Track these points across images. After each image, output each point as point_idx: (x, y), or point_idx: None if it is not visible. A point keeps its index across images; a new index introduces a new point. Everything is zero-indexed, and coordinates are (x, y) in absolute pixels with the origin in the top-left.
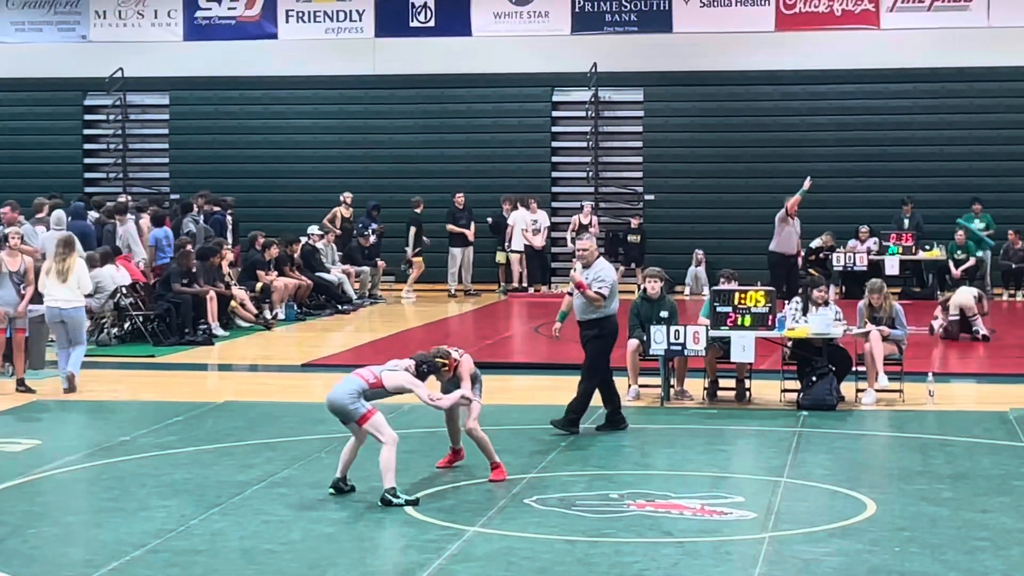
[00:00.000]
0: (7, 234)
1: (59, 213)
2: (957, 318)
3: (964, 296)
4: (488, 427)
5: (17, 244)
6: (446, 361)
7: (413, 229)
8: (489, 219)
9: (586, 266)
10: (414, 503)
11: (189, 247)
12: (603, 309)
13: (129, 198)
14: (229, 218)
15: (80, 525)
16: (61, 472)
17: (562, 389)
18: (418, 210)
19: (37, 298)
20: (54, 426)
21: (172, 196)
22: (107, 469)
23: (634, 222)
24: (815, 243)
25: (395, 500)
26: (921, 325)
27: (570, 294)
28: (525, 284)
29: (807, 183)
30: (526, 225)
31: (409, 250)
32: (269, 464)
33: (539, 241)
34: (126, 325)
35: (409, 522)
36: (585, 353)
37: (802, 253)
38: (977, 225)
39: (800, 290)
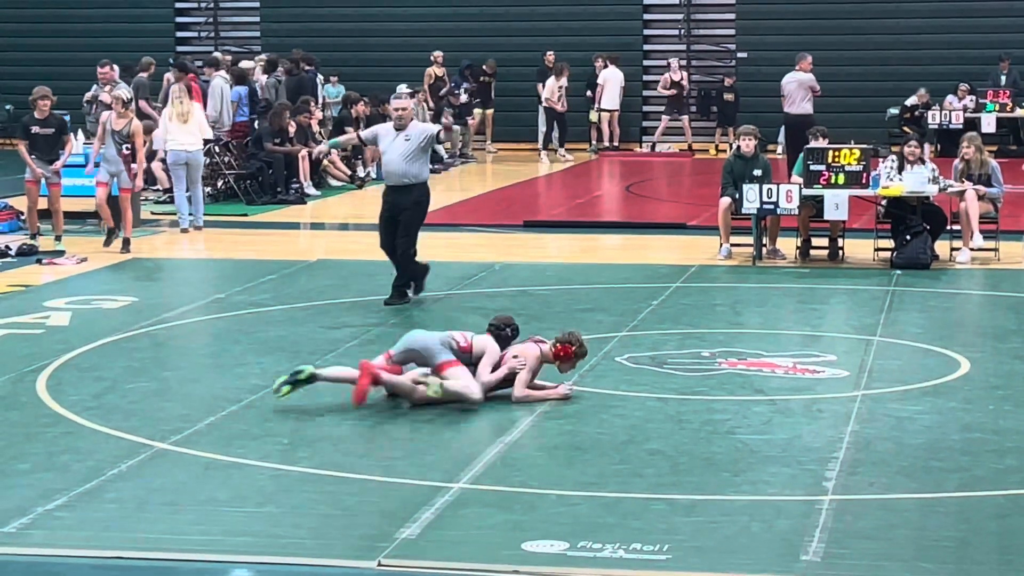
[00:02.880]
0: (113, 97)
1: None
2: None
3: None
4: (578, 286)
5: (119, 108)
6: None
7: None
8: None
9: (400, 128)
10: None
11: (282, 106)
12: (419, 175)
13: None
14: (320, 77)
15: (177, 380)
16: (157, 328)
17: (652, 248)
18: (487, 68)
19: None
20: (150, 283)
21: (263, 55)
22: (202, 326)
23: (728, 80)
24: (910, 100)
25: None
26: (1018, 183)
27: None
28: (616, 143)
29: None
30: (610, 83)
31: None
32: (361, 321)
33: (561, 106)
34: (219, 183)
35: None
36: (401, 221)
37: None
38: None
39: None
